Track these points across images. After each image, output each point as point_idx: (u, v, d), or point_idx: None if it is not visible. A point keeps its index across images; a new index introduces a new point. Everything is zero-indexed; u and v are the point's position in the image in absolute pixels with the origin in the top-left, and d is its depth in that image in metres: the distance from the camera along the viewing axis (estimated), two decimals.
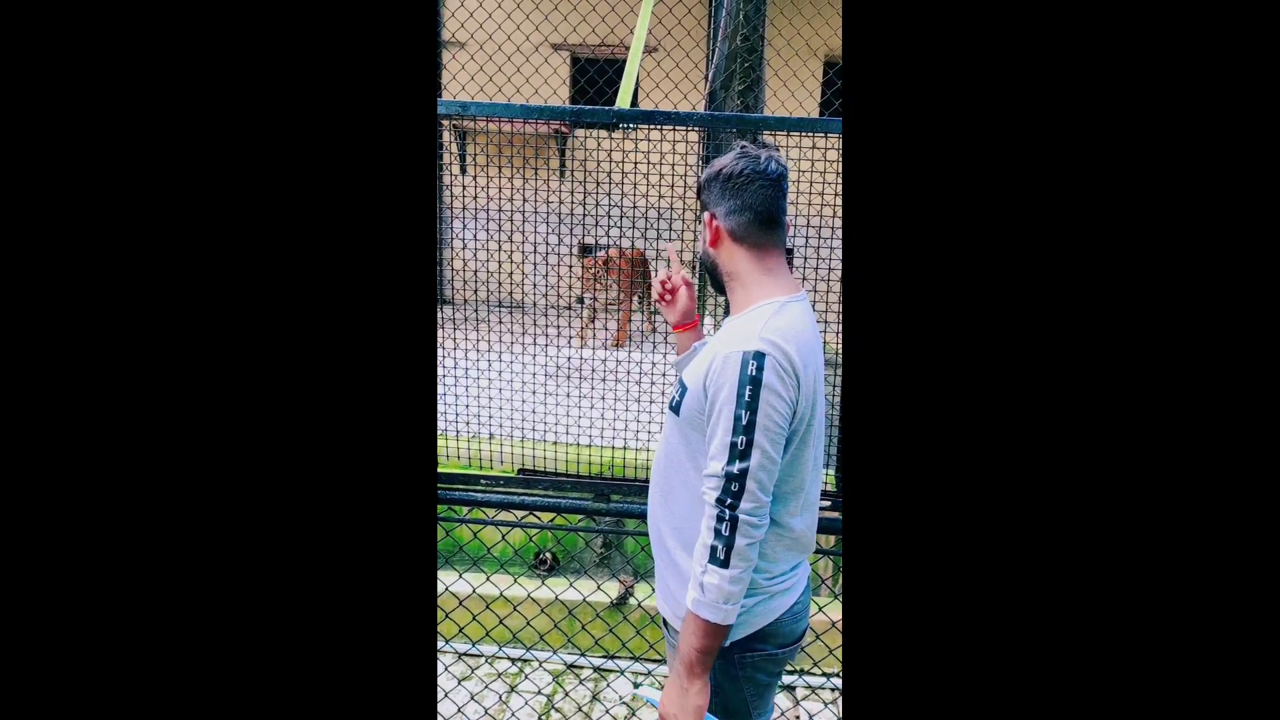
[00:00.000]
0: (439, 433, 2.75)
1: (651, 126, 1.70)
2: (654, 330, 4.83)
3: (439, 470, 1.90)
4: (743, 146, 1.17)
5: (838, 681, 2.37)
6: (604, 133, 4.23)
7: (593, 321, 4.47)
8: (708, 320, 3.07)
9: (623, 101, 1.68)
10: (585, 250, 4.63)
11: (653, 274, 4.67)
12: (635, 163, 2.17)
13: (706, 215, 1.17)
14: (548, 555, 2.87)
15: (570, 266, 3.02)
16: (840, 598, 2.51)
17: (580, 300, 4.46)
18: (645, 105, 5.70)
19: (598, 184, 2.31)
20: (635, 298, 4.52)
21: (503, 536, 2.41)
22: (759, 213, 1.13)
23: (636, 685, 2.34)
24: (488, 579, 2.25)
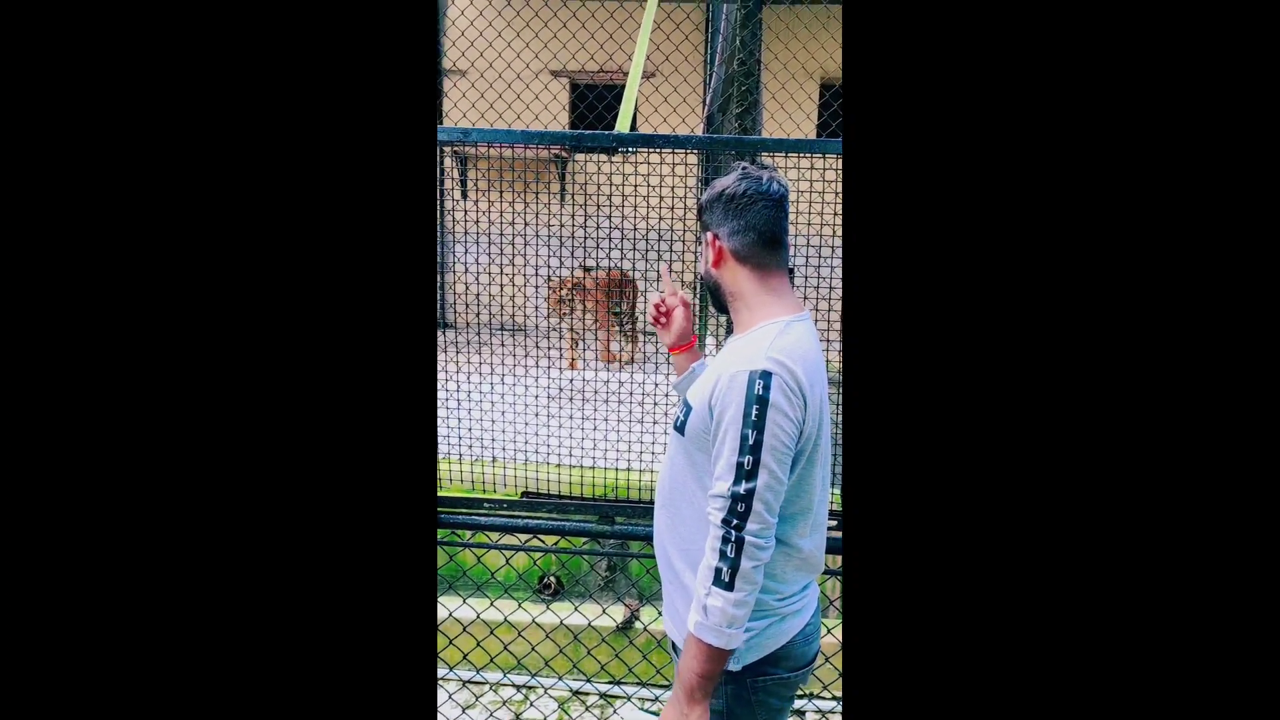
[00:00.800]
0: (442, 456, 2.74)
1: (650, 150, 1.72)
2: (651, 354, 4.78)
3: (442, 494, 1.89)
4: (744, 167, 1.18)
5: None
6: (603, 156, 4.29)
7: (575, 346, 4.44)
8: (709, 341, 3.07)
9: (622, 125, 1.70)
10: (585, 272, 4.66)
11: (639, 295, 4.65)
12: (635, 186, 2.19)
13: (709, 235, 1.18)
14: (552, 579, 2.84)
15: (564, 289, 3.02)
16: None
17: (556, 327, 4.43)
18: (644, 129, 5.77)
19: (597, 207, 2.33)
20: (613, 318, 4.47)
21: (506, 560, 2.39)
22: (762, 233, 1.14)
23: (643, 710, 2.30)
24: (491, 604, 2.22)
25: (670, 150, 1.75)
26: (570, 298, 4.14)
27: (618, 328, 4.51)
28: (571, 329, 4.33)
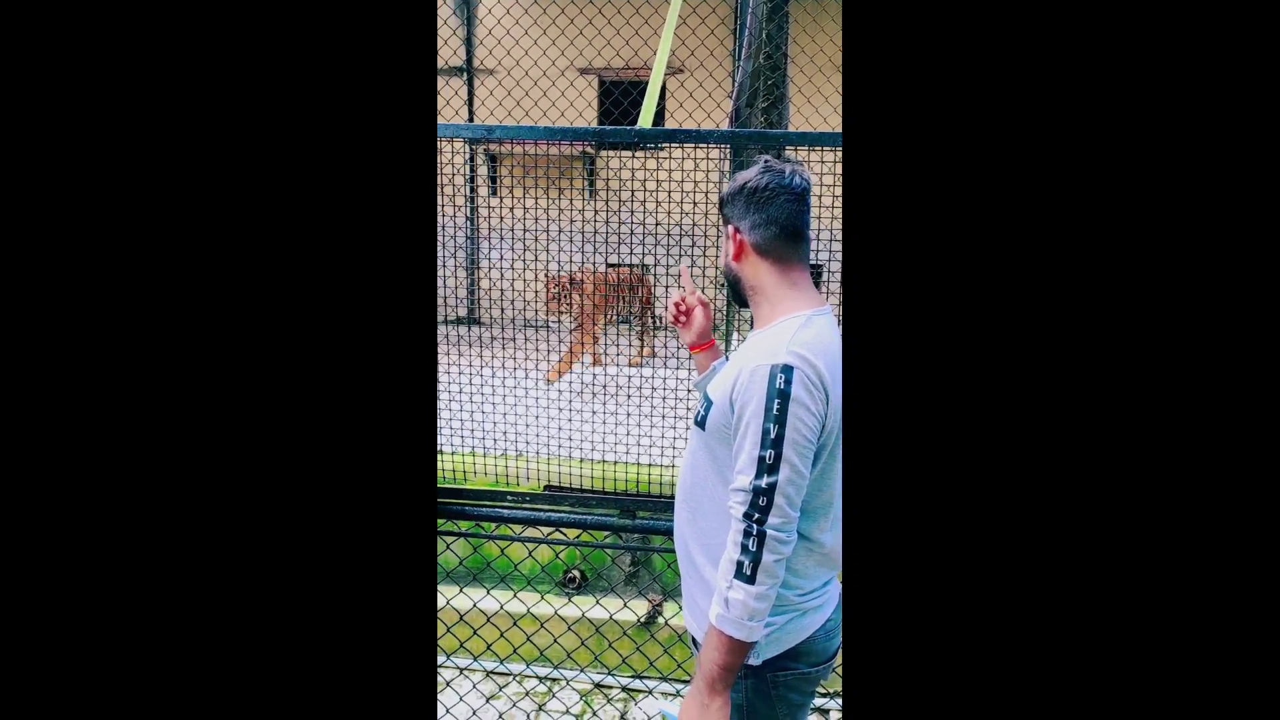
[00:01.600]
0: (469, 451, 2.78)
1: (674, 145, 1.72)
2: (674, 350, 4.67)
3: (467, 487, 1.92)
4: (766, 161, 1.17)
5: None
6: (628, 152, 4.29)
7: (596, 342, 4.30)
8: (735, 338, 3.06)
9: (645, 121, 1.70)
10: (594, 271, 4.59)
11: (652, 291, 4.57)
12: (658, 181, 2.19)
13: (730, 229, 1.17)
14: (576, 573, 2.86)
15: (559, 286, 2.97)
16: None
17: (553, 323, 4.26)
18: (673, 124, 5.76)
19: (620, 203, 2.33)
20: (611, 318, 4.32)
21: (529, 553, 2.42)
22: (784, 226, 1.13)
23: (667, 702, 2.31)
24: (514, 595, 2.25)
25: (694, 145, 1.74)
26: (564, 295, 4.03)
27: (603, 328, 4.38)
28: (596, 326, 4.31)
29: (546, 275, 3.55)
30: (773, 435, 1.01)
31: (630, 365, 4.44)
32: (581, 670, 2.46)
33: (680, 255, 2.11)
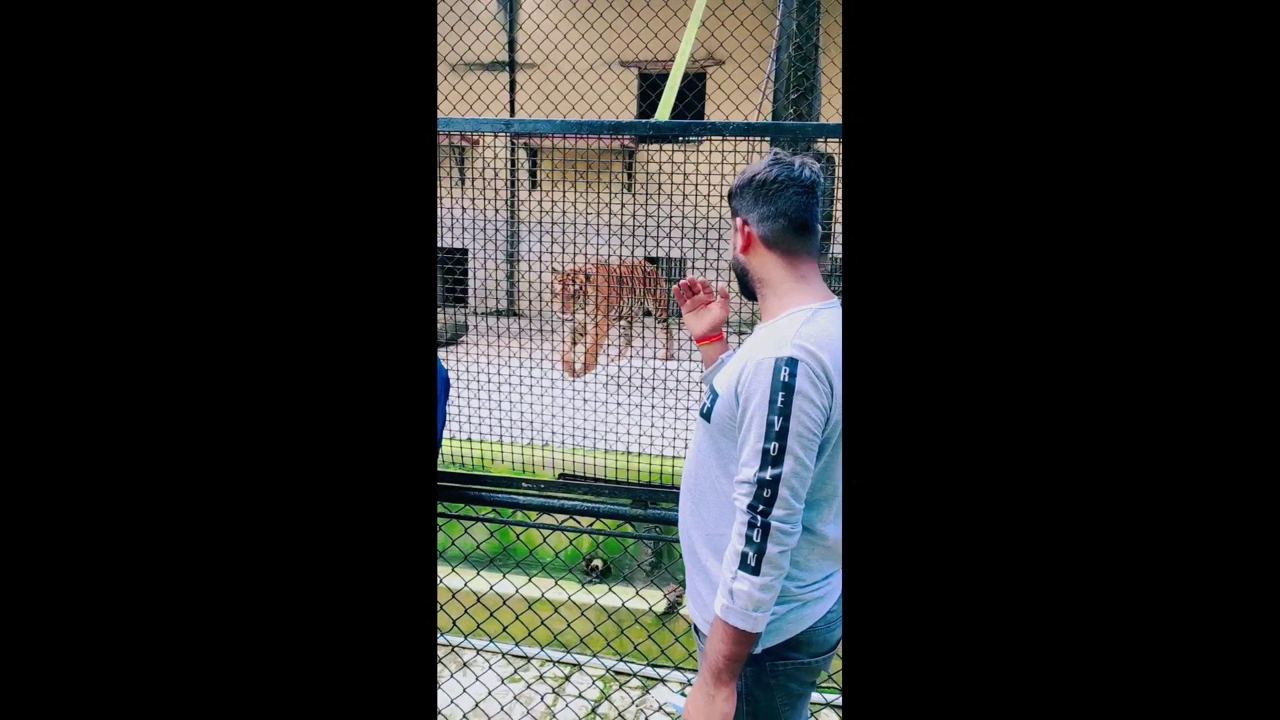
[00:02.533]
0: (495, 439, 2.83)
1: (709, 139, 1.72)
2: (677, 352, 4.43)
3: (484, 474, 1.96)
4: (776, 153, 1.17)
5: None
6: (657, 146, 4.28)
7: (577, 341, 4.19)
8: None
9: (662, 114, 1.70)
10: (651, 263, 4.51)
11: (665, 285, 4.48)
12: (686, 175, 2.19)
13: (738, 221, 1.17)
14: (598, 562, 2.89)
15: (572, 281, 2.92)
16: None
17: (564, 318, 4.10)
18: (716, 117, 5.72)
19: (650, 197, 2.35)
20: (627, 311, 4.21)
21: (544, 539, 2.46)
22: (793, 219, 1.13)
23: (681, 694, 2.33)
24: (530, 580, 2.29)
25: (722, 138, 1.74)
26: (579, 292, 3.91)
27: (620, 325, 4.27)
28: (623, 318, 4.29)
29: (552, 271, 3.50)
30: (777, 428, 1.01)
31: (665, 359, 4.43)
32: (595, 655, 2.50)
33: (708, 249, 2.11)
